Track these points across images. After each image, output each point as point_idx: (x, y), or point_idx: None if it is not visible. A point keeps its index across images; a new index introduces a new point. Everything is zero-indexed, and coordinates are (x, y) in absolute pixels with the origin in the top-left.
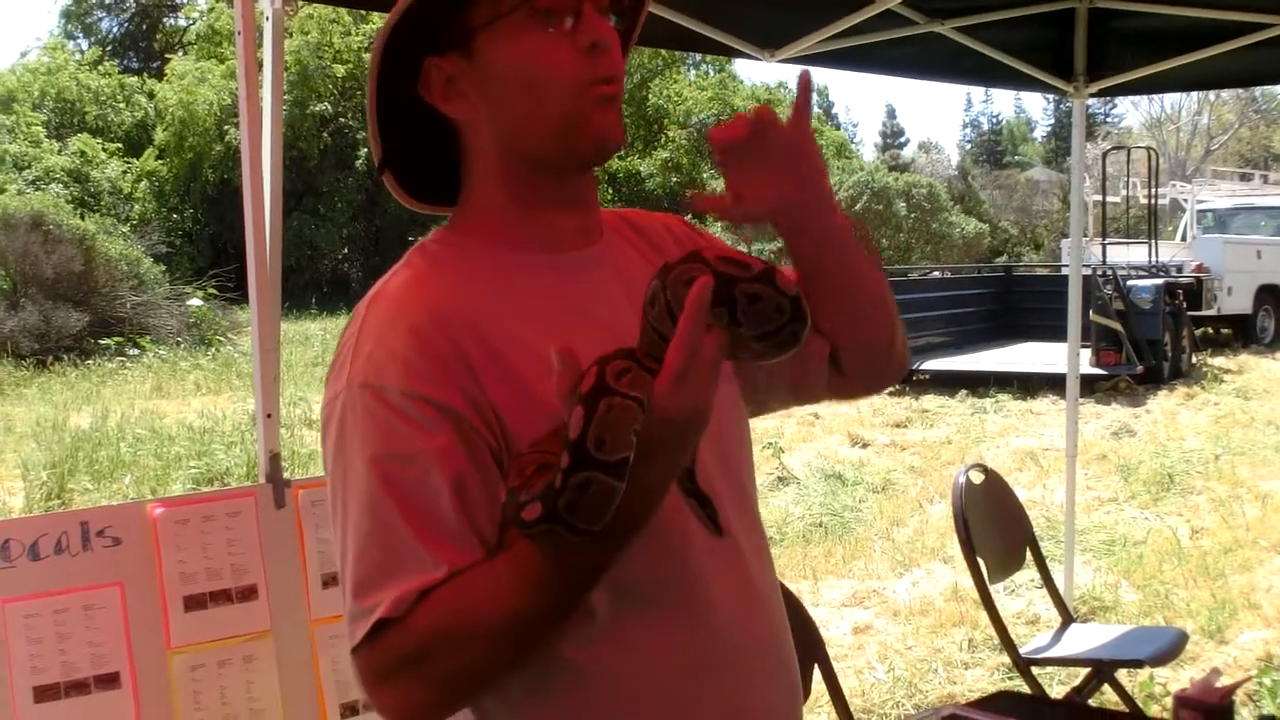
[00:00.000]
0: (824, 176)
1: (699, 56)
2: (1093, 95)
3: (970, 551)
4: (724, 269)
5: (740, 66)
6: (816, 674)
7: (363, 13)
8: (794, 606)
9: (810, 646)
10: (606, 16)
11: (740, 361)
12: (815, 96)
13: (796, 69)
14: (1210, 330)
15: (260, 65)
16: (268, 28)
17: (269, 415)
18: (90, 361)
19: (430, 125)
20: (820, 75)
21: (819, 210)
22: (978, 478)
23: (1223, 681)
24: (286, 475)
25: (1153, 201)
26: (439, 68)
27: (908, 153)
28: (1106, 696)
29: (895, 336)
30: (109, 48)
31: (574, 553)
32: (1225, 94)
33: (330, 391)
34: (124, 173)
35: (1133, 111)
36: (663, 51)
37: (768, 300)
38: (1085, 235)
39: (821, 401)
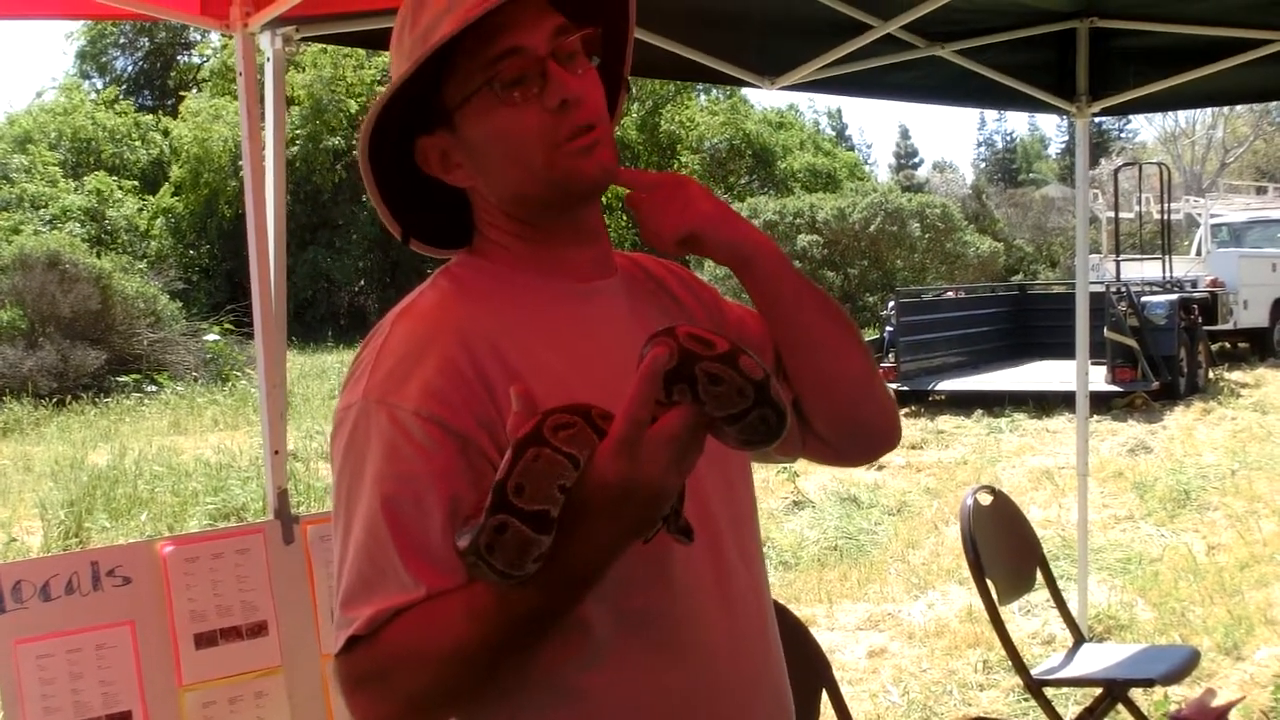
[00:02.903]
0: (711, 198)
1: None
2: (1096, 114)
3: (979, 574)
4: (688, 345)
5: (751, 91)
6: (825, 700)
7: None
8: (799, 632)
9: (816, 671)
10: (577, 63)
11: (727, 445)
12: (828, 119)
13: (804, 95)
14: (1226, 344)
15: (262, 103)
16: (269, 68)
17: (276, 452)
18: (108, 399)
19: (437, 182)
20: (830, 98)
21: (725, 226)
22: (986, 499)
23: (1219, 700)
24: (301, 510)
25: (1166, 217)
26: (431, 145)
27: (922, 173)
28: (1122, 716)
29: (869, 411)
30: (124, 86)
31: (512, 593)
32: (1239, 107)
33: (345, 400)
34: (140, 210)
35: (1147, 126)
36: None
37: (729, 382)
38: (1099, 252)
39: (799, 457)
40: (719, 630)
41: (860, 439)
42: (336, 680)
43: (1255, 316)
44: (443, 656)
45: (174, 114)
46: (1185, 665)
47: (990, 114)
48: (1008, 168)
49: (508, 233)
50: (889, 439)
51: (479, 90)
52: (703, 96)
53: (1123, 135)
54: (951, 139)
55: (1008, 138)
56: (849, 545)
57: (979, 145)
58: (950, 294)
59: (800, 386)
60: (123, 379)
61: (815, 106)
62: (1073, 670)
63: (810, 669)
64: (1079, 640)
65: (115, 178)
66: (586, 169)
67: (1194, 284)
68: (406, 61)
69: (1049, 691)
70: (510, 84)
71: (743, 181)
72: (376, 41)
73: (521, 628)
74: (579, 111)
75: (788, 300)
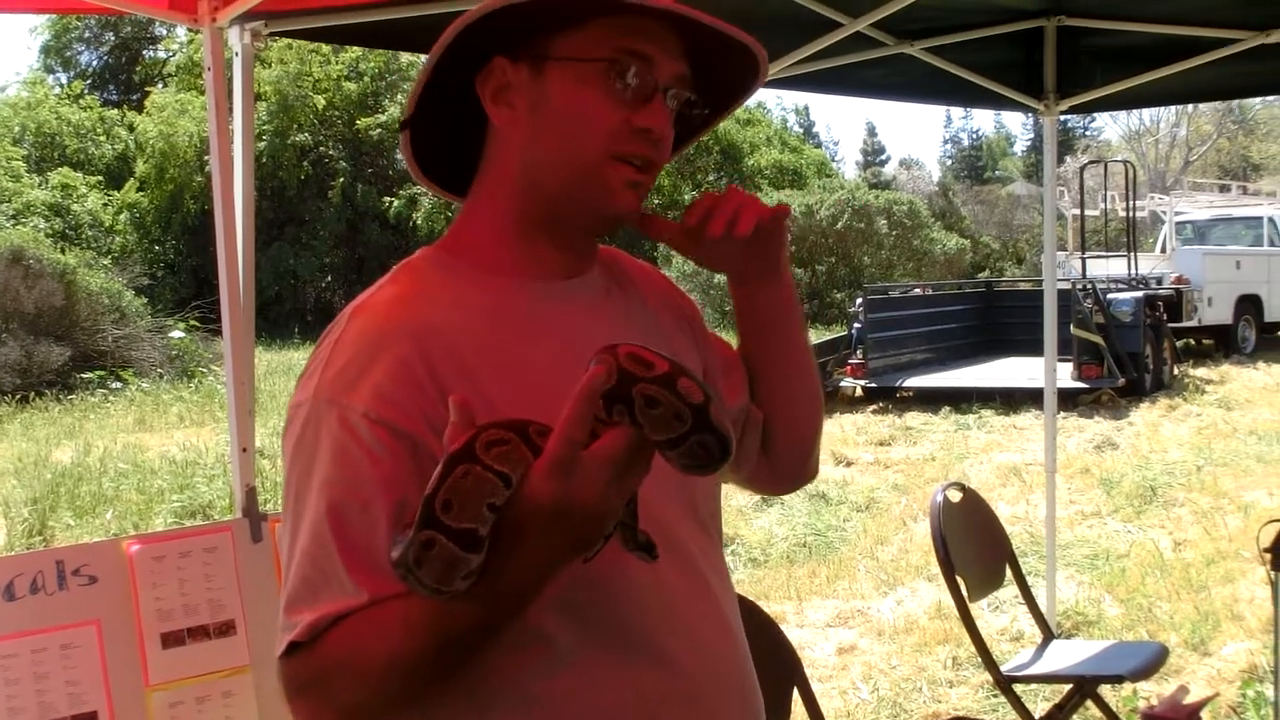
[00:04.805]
0: (784, 253)
1: None
2: (1063, 112)
3: (949, 571)
4: (626, 365)
5: None
6: (796, 697)
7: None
8: (769, 629)
9: (787, 669)
10: (672, 106)
11: (673, 468)
12: (795, 116)
13: (772, 92)
14: (1191, 341)
15: (230, 99)
16: (237, 63)
17: (244, 449)
18: (72, 396)
19: (467, 117)
20: (798, 95)
21: (772, 280)
22: (955, 496)
23: (1190, 698)
24: (269, 508)
25: (1131, 214)
26: (504, 69)
27: (889, 170)
28: (1091, 712)
29: (817, 438)
30: (89, 81)
31: (448, 607)
32: (1203, 105)
33: (298, 396)
34: (105, 205)
35: (1111, 124)
36: None
37: (666, 405)
38: (1065, 249)
39: (739, 483)
40: (685, 637)
41: (804, 461)
42: (280, 683)
43: (1219, 313)
44: (379, 666)
45: (139, 109)
46: (1154, 661)
47: (956, 111)
48: (974, 165)
49: (507, 200)
50: (812, 474)
51: (590, 61)
52: None
53: (1087, 133)
54: (918, 136)
55: (974, 135)
56: (818, 542)
57: (945, 143)
58: (918, 291)
59: (773, 407)
60: (87, 375)
61: (783, 103)
62: (1042, 666)
63: (780, 666)
64: (1048, 636)
65: (80, 173)
66: (622, 199)
67: (1159, 281)
68: None
69: (1018, 688)
70: (623, 79)
71: (710, 179)
72: (345, 36)
73: (457, 641)
74: (651, 147)
75: (789, 315)
